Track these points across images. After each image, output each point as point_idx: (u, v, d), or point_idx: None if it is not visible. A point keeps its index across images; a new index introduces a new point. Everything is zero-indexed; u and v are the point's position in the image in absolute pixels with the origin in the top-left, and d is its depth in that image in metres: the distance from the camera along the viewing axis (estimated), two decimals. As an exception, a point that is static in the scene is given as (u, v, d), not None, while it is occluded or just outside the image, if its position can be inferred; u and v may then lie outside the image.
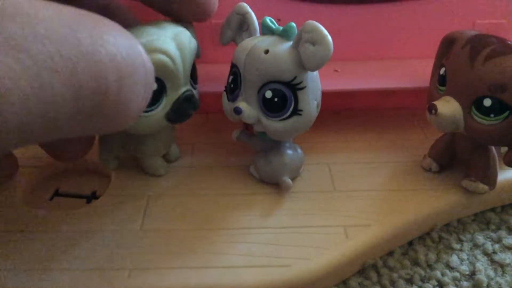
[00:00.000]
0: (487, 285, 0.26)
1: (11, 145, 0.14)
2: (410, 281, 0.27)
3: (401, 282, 0.26)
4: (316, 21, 0.24)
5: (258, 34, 0.28)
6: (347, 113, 0.39)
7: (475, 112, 0.26)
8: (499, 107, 0.25)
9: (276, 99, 0.26)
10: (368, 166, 0.33)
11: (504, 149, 0.28)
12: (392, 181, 0.31)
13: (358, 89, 0.34)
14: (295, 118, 0.27)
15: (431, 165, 0.32)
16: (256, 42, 0.27)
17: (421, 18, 0.36)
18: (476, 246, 0.29)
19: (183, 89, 0.27)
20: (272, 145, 0.30)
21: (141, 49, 0.18)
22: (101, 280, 0.24)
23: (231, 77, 0.28)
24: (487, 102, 0.26)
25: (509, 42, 0.26)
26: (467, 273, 0.27)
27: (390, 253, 0.28)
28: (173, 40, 0.26)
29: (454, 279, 0.27)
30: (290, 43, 0.26)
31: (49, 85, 0.14)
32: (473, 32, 0.28)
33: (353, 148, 0.35)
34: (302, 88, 0.26)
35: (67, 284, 0.24)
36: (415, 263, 0.28)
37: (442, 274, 0.27)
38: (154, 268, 0.25)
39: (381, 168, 0.33)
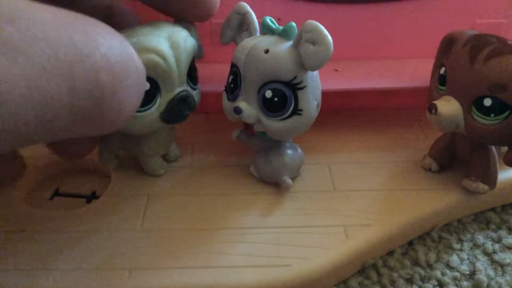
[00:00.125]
0: (487, 285, 0.26)
1: (8, 146, 0.14)
2: (410, 281, 0.27)
3: (401, 282, 0.26)
4: (316, 20, 0.24)
5: (258, 33, 0.28)
6: (347, 112, 0.39)
7: (475, 111, 0.26)
8: (499, 107, 0.25)
9: (276, 99, 0.26)
10: (368, 166, 0.33)
11: (504, 148, 0.28)
12: (392, 180, 0.31)
13: (358, 88, 0.34)
14: (295, 118, 0.27)
15: (431, 165, 0.32)
16: (256, 41, 0.27)
17: (421, 17, 0.36)
18: (476, 246, 0.29)
19: (178, 90, 0.27)
20: (272, 145, 0.30)
21: (132, 51, 0.19)
22: (101, 280, 0.24)
23: (231, 77, 0.28)
24: (487, 102, 0.26)
25: (509, 42, 0.26)
26: (467, 273, 0.27)
27: (390, 253, 0.28)
28: (167, 40, 0.26)
29: (454, 279, 0.27)
30: (290, 42, 0.26)
31: (46, 87, 0.14)
32: (473, 32, 0.28)
33: (353, 148, 0.35)
34: (302, 88, 0.26)
35: (67, 284, 0.24)
36: (415, 263, 0.28)
37: (442, 274, 0.27)
38: (154, 268, 0.25)
39: (381, 167, 0.33)
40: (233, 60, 0.28)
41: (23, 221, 0.28)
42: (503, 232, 0.30)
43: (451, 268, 0.27)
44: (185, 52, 0.27)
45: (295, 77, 0.26)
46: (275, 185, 0.30)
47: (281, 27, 0.27)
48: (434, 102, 0.27)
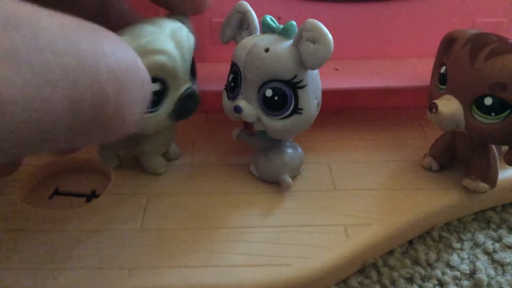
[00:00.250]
0: (488, 284, 0.26)
1: (7, 155, 0.14)
2: (410, 280, 0.27)
3: (402, 281, 0.26)
4: (317, 19, 0.24)
5: (258, 32, 0.28)
6: (348, 112, 0.39)
7: (476, 111, 0.26)
8: (500, 106, 0.25)
9: (276, 98, 0.26)
10: (369, 165, 0.33)
11: (504, 148, 0.28)
12: (392, 180, 0.31)
13: (358, 87, 0.34)
14: (295, 117, 0.27)
15: (432, 164, 0.32)
16: (256, 40, 0.27)
17: (421, 17, 0.36)
18: (476, 245, 0.29)
19: (184, 87, 0.27)
20: (272, 144, 0.30)
21: (138, 61, 0.18)
22: (101, 279, 0.24)
23: (231, 76, 0.28)
24: (488, 101, 0.25)
25: (510, 41, 0.26)
26: (468, 272, 0.27)
27: (391, 252, 0.28)
28: (171, 39, 0.26)
29: (455, 278, 0.27)
30: (291, 41, 0.26)
31: (49, 98, 0.14)
32: (473, 31, 0.28)
33: (353, 147, 0.35)
34: (302, 87, 0.26)
35: (67, 283, 0.24)
36: (416, 262, 0.28)
37: (443, 273, 0.27)
38: (154, 267, 0.25)
39: (382, 167, 0.32)
40: (233, 59, 0.28)
41: (23, 220, 0.28)
42: (503, 231, 0.30)
43: (452, 267, 0.27)
44: (188, 50, 0.27)
45: (295, 76, 0.26)
46: (275, 184, 0.30)
47: (281, 26, 0.27)
48: (435, 101, 0.27)
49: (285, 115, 0.27)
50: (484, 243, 0.29)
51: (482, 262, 0.28)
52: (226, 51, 0.30)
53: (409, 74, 0.35)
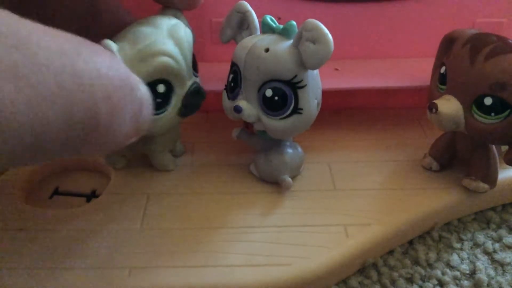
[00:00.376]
0: (488, 284, 0.26)
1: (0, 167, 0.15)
2: (410, 280, 0.27)
3: (402, 281, 0.26)
4: (317, 19, 0.24)
5: (258, 32, 0.28)
6: (348, 112, 0.39)
7: (476, 110, 0.26)
8: (500, 106, 0.25)
9: (276, 98, 0.26)
10: (369, 165, 0.33)
11: (504, 147, 0.28)
12: (393, 180, 0.31)
13: (358, 87, 0.34)
14: (295, 117, 0.27)
15: (432, 164, 0.32)
16: (257, 40, 0.27)
17: (421, 17, 0.36)
18: (476, 245, 0.29)
19: (189, 84, 0.28)
20: (272, 143, 0.30)
21: (133, 79, 0.19)
22: (101, 279, 0.24)
23: (231, 76, 0.28)
24: (488, 101, 0.25)
25: (510, 41, 0.26)
26: (468, 272, 0.27)
27: (391, 252, 0.28)
28: (170, 38, 0.26)
29: (455, 278, 0.27)
30: (291, 41, 0.26)
31: (44, 115, 0.14)
32: (473, 31, 0.28)
33: (353, 147, 0.35)
34: (302, 87, 0.26)
35: (67, 283, 0.24)
36: (416, 262, 0.28)
37: (443, 273, 0.27)
38: (154, 267, 0.25)
39: (382, 167, 0.32)
40: (233, 59, 0.28)
41: (23, 220, 0.27)
42: (503, 232, 0.30)
43: (452, 267, 0.27)
44: (188, 46, 0.27)
45: (295, 76, 0.26)
46: (275, 184, 0.30)
47: (281, 26, 0.27)
48: (435, 101, 0.27)
49: (285, 115, 0.27)
50: (484, 243, 0.29)
51: (482, 262, 0.28)
52: (226, 51, 0.30)
53: (409, 74, 0.35)
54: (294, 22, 0.26)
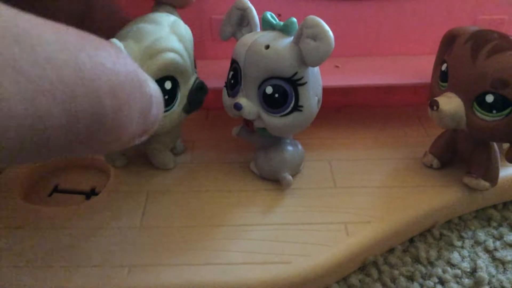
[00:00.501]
0: (488, 282, 0.26)
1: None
2: (411, 278, 0.27)
3: (402, 279, 0.26)
4: (317, 16, 0.24)
5: (258, 29, 0.28)
6: (348, 109, 0.39)
7: (477, 108, 0.26)
8: (501, 103, 0.25)
9: (276, 95, 0.26)
10: (369, 163, 0.33)
11: (506, 145, 0.28)
12: (393, 178, 0.31)
13: (359, 85, 0.33)
14: (295, 114, 0.27)
15: (432, 162, 0.32)
16: (257, 37, 0.26)
17: (422, 14, 0.36)
18: (477, 243, 0.29)
19: (192, 79, 0.28)
20: (272, 141, 0.30)
21: (141, 75, 0.18)
22: (100, 277, 0.24)
23: (231, 73, 0.28)
24: (489, 98, 0.25)
25: (511, 38, 0.26)
26: (468, 270, 0.27)
27: (391, 250, 0.28)
28: (173, 34, 0.26)
29: (455, 276, 0.27)
30: (291, 38, 0.26)
31: (46, 110, 0.14)
32: (474, 28, 0.28)
33: (353, 145, 0.35)
34: (303, 84, 0.26)
35: (66, 281, 0.24)
36: (416, 260, 0.28)
37: (443, 271, 0.27)
38: (153, 265, 0.25)
39: (382, 164, 0.32)
40: (233, 56, 0.28)
41: (22, 218, 0.27)
42: (504, 229, 0.30)
43: (452, 265, 0.27)
44: (189, 41, 0.27)
45: (295, 73, 0.26)
46: (275, 181, 0.30)
47: (281, 23, 0.27)
48: (436, 98, 0.27)
49: (285, 112, 0.27)
50: (485, 241, 0.29)
51: (483, 260, 0.28)
52: (226, 48, 0.30)
53: (410, 71, 0.35)
54: (294, 19, 0.26)
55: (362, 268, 0.27)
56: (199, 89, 0.28)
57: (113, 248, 0.25)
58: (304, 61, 0.25)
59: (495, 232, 0.30)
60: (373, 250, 0.27)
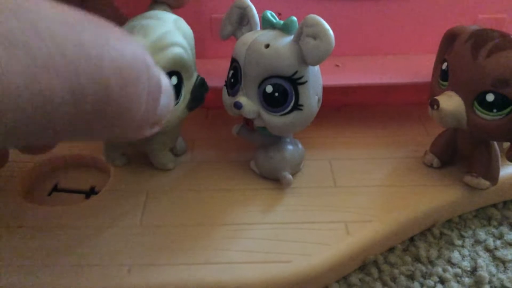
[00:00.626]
0: (489, 282, 0.26)
1: (3, 143, 0.14)
2: (411, 277, 0.27)
3: (402, 279, 0.26)
4: (318, 15, 0.24)
5: (258, 28, 0.28)
6: (348, 108, 0.39)
7: (478, 107, 0.26)
8: (501, 102, 0.25)
9: (276, 94, 0.26)
10: (369, 162, 0.33)
11: (506, 144, 0.28)
12: (393, 177, 0.31)
13: (359, 84, 0.33)
14: (295, 113, 0.27)
15: (433, 161, 0.31)
16: (257, 36, 0.26)
17: (422, 13, 0.36)
18: (477, 242, 0.29)
19: (195, 76, 0.28)
20: (272, 140, 0.30)
21: (147, 56, 0.18)
22: (100, 276, 0.24)
23: (231, 72, 0.28)
24: (490, 97, 0.25)
25: (512, 37, 0.26)
26: (469, 269, 0.27)
27: (391, 249, 0.28)
28: (178, 30, 0.26)
29: (456, 275, 0.27)
30: (291, 37, 0.26)
31: (47, 86, 0.13)
32: (475, 27, 0.28)
33: (354, 144, 0.34)
34: (303, 83, 0.26)
35: (66, 280, 0.23)
36: (416, 259, 0.28)
37: (444, 270, 0.27)
38: (153, 264, 0.24)
39: (382, 164, 0.32)
40: (233, 55, 0.28)
41: (22, 217, 0.27)
42: (504, 229, 0.30)
43: (453, 264, 0.27)
44: (192, 40, 0.27)
45: (296, 72, 0.26)
46: (275, 180, 0.30)
47: (281, 22, 0.27)
48: (436, 97, 0.27)
49: (285, 111, 0.27)
50: (485, 240, 0.29)
51: (484, 259, 0.28)
52: (226, 47, 0.30)
53: (410, 70, 0.35)
54: (294, 18, 0.26)
55: (363, 267, 0.27)
56: (201, 85, 0.28)
57: (113, 247, 0.25)
58: (304, 60, 0.25)
59: (495, 231, 0.30)
60: (374, 249, 0.27)
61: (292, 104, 0.26)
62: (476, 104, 0.26)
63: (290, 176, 0.29)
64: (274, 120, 0.27)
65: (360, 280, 0.26)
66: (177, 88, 0.27)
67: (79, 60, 0.14)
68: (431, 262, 0.27)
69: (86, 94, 0.15)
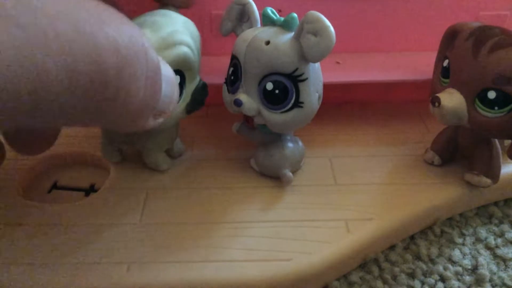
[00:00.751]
0: (490, 280, 0.26)
1: None
2: (412, 275, 0.26)
3: (403, 277, 0.26)
4: (318, 11, 0.24)
5: (259, 25, 0.28)
6: (349, 105, 0.39)
7: (479, 104, 0.26)
8: (503, 100, 0.25)
9: (277, 91, 0.26)
10: (370, 160, 0.32)
11: (507, 142, 0.28)
12: (394, 174, 0.31)
13: (360, 81, 0.33)
14: (296, 111, 0.26)
15: (434, 159, 0.31)
16: (257, 33, 0.26)
17: (423, 10, 0.35)
18: (478, 240, 0.29)
19: (198, 79, 0.28)
20: (273, 138, 0.29)
21: (145, 40, 0.17)
22: (99, 274, 0.24)
23: (231, 69, 0.28)
24: (491, 95, 0.25)
25: (514, 34, 0.25)
26: (470, 267, 0.27)
27: (392, 247, 0.28)
28: (187, 30, 0.26)
29: (456, 273, 0.26)
30: (292, 34, 0.26)
31: (41, 62, 0.13)
32: (476, 24, 0.27)
33: (354, 142, 0.34)
34: (303, 80, 0.26)
35: (65, 279, 0.23)
36: (417, 257, 0.28)
37: (444, 269, 0.27)
38: (153, 262, 0.24)
39: (383, 161, 0.32)
40: (233, 52, 0.27)
41: (21, 215, 0.27)
42: (505, 227, 0.30)
43: (453, 262, 0.27)
44: (198, 41, 0.27)
45: (296, 69, 0.25)
46: (275, 178, 0.30)
47: (282, 18, 0.27)
48: (437, 95, 0.27)
49: (286, 108, 0.26)
50: (486, 238, 0.29)
51: (484, 257, 0.28)
52: (226, 44, 0.30)
53: (411, 67, 0.34)
54: (295, 15, 0.26)
55: (363, 265, 0.27)
56: (202, 89, 0.28)
57: (113, 245, 0.25)
58: (304, 57, 0.25)
59: (496, 229, 0.30)
60: (374, 247, 0.27)
61: (292, 101, 0.26)
62: (477, 101, 0.26)
63: (291, 174, 0.29)
64: (274, 117, 0.27)
65: (360, 278, 0.26)
66: (179, 88, 0.26)
67: (74, 37, 0.14)
68: (432, 260, 0.27)
69: (82, 72, 0.14)
